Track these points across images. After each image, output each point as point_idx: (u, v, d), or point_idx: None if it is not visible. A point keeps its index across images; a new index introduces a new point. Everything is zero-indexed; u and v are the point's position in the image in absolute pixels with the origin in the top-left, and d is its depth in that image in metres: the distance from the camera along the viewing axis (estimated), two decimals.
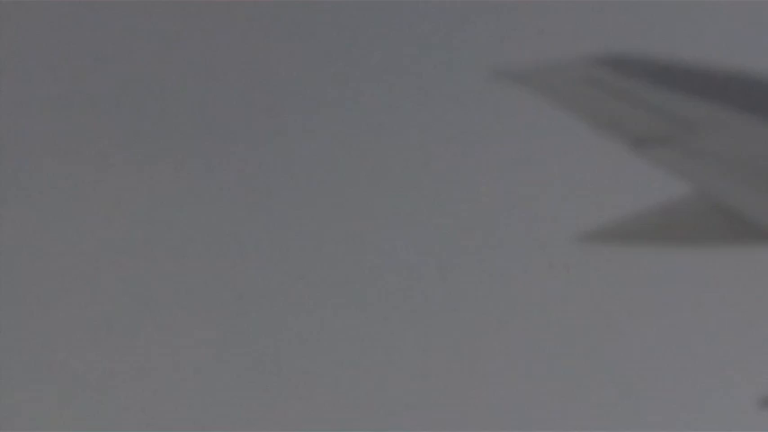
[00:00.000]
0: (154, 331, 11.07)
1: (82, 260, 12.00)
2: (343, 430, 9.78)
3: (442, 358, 11.39)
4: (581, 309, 11.68)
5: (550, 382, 10.87)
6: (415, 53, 14.72)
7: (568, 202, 12.42)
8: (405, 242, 12.92)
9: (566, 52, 9.87)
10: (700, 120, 7.99)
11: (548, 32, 13.60)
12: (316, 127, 13.82)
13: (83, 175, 13.02)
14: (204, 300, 11.43)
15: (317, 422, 9.86)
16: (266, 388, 10.34)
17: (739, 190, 6.57)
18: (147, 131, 13.74)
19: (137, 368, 10.71)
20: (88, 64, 14.59)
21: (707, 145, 7.53)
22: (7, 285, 11.47)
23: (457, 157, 13.80)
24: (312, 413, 10.02)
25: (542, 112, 10.33)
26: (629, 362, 10.90)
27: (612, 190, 11.42)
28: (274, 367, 10.60)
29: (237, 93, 14.10)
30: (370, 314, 11.77)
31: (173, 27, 14.81)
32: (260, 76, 14.30)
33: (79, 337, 11.04)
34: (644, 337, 11.02)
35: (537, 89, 9.92)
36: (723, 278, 9.97)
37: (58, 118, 13.90)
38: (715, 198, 6.67)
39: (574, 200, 12.36)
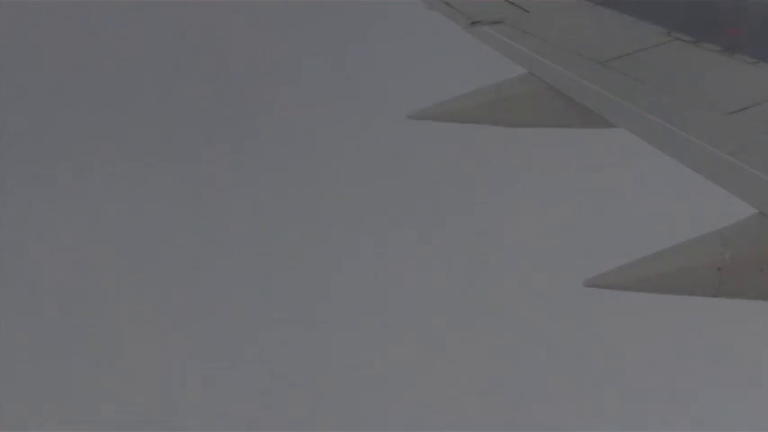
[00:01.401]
0: (150, 331, 10.79)
1: (79, 258, 11.61)
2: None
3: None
4: (409, 182, 11.81)
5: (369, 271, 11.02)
6: None
7: (400, 80, 12.44)
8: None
9: None
10: (531, 3, 8.09)
11: None
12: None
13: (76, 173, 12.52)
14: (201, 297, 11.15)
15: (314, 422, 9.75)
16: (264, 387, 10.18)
17: (566, 71, 6.68)
18: (143, 129, 13.22)
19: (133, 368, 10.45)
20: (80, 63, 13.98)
21: (537, 27, 7.64)
22: (6, 285, 11.04)
23: (292, 34, 13.65)
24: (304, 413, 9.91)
25: None
26: (453, 232, 11.09)
27: (444, 69, 11.47)
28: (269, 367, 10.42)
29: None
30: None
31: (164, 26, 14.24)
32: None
33: (77, 336, 10.71)
34: (470, 211, 11.21)
35: None
36: (550, 157, 10.18)
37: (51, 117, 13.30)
38: (544, 78, 6.78)
39: (406, 78, 12.38)
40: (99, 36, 14.53)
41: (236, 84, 13.55)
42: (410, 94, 11.27)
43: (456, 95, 7.11)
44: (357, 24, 12.77)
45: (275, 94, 13.14)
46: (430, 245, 11.07)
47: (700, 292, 4.64)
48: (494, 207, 11.14)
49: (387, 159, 11.94)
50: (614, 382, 9.26)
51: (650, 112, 5.60)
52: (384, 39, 12.94)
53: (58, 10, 14.14)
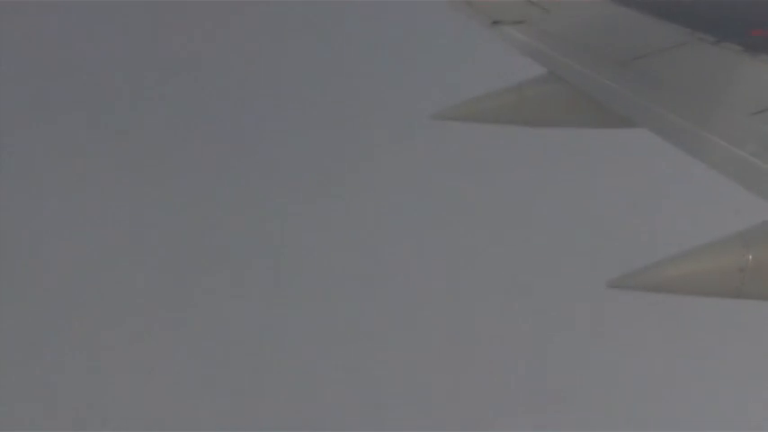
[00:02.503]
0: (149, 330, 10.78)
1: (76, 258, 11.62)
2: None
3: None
4: (434, 181, 11.81)
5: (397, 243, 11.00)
6: None
7: (422, 80, 12.44)
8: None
9: None
10: (552, 2, 8.07)
11: None
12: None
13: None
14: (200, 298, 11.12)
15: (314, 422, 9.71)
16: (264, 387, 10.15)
17: (587, 71, 6.68)
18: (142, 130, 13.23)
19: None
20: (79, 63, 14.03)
21: (558, 26, 7.63)
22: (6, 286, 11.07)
23: (314, 36, 13.69)
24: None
25: None
26: (476, 233, 11.08)
27: (465, 70, 11.47)
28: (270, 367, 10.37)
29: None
30: None
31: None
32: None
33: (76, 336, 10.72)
34: (494, 211, 11.21)
35: None
36: (571, 157, 10.16)
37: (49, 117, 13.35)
38: (565, 78, 6.78)
39: (427, 79, 12.39)
40: (96, 37, 14.57)
41: (252, 82, 13.57)
42: (432, 94, 11.26)
43: (477, 95, 7.12)
44: (377, 25, 12.78)
45: (294, 93, 13.17)
46: (449, 245, 11.06)
47: (722, 293, 4.63)
48: (513, 207, 11.13)
49: (408, 160, 11.95)
50: (632, 383, 9.24)
51: (672, 112, 5.58)
52: (405, 39, 12.95)
53: (57, 10, 14.18)
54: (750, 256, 4.53)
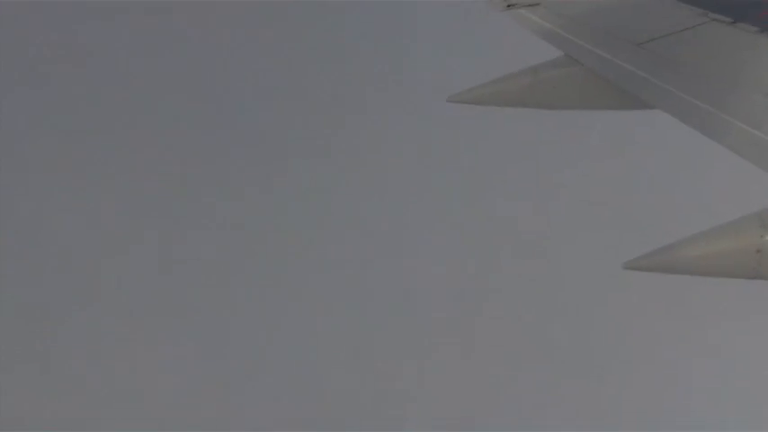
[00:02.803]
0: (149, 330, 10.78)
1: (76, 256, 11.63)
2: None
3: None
4: (448, 165, 11.81)
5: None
6: None
7: (438, 64, 12.42)
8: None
9: None
10: None
11: None
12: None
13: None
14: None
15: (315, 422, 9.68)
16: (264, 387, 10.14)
17: (602, 52, 6.69)
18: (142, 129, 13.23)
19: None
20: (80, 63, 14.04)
21: (573, 9, 7.64)
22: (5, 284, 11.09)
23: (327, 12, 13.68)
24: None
25: None
26: (489, 217, 11.09)
27: (481, 53, 11.45)
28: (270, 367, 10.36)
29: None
30: None
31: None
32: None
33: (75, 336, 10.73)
34: (507, 195, 11.22)
35: None
36: (587, 139, 10.15)
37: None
38: (580, 60, 6.78)
39: (443, 62, 12.37)
40: (94, 37, 14.58)
41: (266, 64, 13.56)
42: (448, 77, 11.25)
43: (493, 79, 7.13)
44: (392, 7, 12.76)
45: (308, 76, 13.18)
46: (461, 230, 11.07)
47: (739, 274, 4.63)
48: (527, 191, 11.13)
49: (425, 143, 11.94)
50: (651, 367, 9.23)
51: (688, 93, 5.58)
52: (421, 23, 12.93)
53: (57, 10, 14.20)
54: (767, 237, 4.52)
